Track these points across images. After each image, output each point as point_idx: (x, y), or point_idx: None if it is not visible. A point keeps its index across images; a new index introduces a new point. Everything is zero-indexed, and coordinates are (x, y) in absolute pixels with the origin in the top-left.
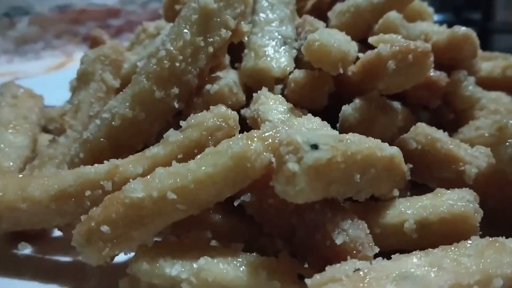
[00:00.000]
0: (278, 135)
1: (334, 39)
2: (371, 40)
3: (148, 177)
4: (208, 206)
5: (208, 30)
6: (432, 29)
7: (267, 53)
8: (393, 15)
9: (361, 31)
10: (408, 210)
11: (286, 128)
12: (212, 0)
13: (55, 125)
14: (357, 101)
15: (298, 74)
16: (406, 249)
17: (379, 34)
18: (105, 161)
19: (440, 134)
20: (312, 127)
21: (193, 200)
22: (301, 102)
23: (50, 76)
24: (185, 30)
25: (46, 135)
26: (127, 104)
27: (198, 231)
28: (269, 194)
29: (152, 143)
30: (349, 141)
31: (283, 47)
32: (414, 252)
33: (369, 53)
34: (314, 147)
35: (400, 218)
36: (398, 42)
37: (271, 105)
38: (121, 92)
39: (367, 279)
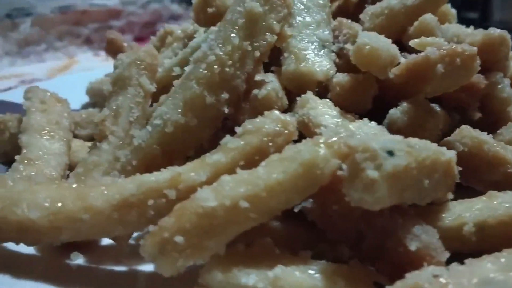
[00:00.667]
0: (344, 141)
1: (383, 43)
2: (412, 43)
3: (215, 185)
4: (276, 214)
5: (255, 35)
6: (462, 31)
7: (307, 57)
8: (429, 18)
9: (395, 33)
10: (466, 213)
11: (344, 133)
12: (257, 4)
13: (86, 131)
14: (404, 104)
15: (343, 77)
16: (462, 253)
17: (415, 37)
18: (162, 169)
19: (486, 137)
20: (370, 132)
21: (265, 208)
22: (345, 106)
23: (58, 79)
24: (233, 35)
25: (78, 140)
26: (179, 110)
27: (261, 238)
28: (333, 200)
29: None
30: (418, 146)
31: (322, 51)
32: (484, 257)
33: (414, 56)
34: (390, 153)
35: (458, 222)
36: (443, 45)
37: (322, 109)
38: (169, 98)
39: (450, 286)
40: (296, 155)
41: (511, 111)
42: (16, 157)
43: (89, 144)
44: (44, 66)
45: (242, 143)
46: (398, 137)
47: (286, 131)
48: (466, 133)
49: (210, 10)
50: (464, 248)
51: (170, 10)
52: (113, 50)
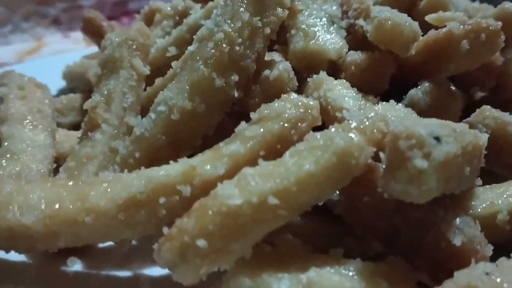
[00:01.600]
0: (379, 125)
1: (405, 18)
2: (429, 18)
3: (237, 179)
4: (306, 209)
5: (265, 9)
6: (471, 5)
7: (317, 34)
8: None
9: (404, 7)
10: (498, 200)
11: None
12: None
13: (68, 118)
14: (426, 84)
15: (358, 56)
16: (496, 243)
17: (427, 11)
18: (171, 162)
19: (509, 117)
20: (399, 114)
21: (295, 204)
22: (361, 86)
23: (29, 63)
24: (242, 9)
25: (62, 130)
26: (186, 95)
27: (282, 235)
28: (364, 192)
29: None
30: (459, 130)
31: (332, 27)
32: None
33: (435, 32)
34: (437, 139)
35: (491, 210)
36: (465, 20)
37: (340, 91)
38: (173, 82)
39: (505, 285)
40: (328, 143)
41: None
42: None
43: (74, 133)
44: (11, 49)
45: (261, 130)
46: (438, 121)
47: (310, 116)
48: (489, 113)
49: None
50: (497, 237)
51: None
52: (90, 30)
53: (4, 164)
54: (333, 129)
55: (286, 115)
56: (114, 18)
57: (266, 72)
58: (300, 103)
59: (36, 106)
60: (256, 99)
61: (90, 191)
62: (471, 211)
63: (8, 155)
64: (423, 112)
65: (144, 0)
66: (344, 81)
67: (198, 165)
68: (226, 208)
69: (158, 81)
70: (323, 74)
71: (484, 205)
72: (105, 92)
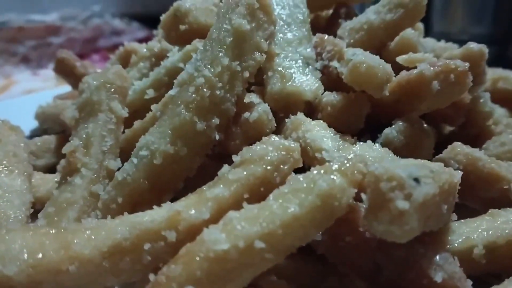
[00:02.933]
0: (359, 167)
1: (378, 61)
2: (400, 59)
3: (222, 223)
4: (291, 251)
5: (243, 54)
6: (438, 45)
7: (293, 76)
8: (410, 33)
9: (374, 48)
10: (473, 235)
11: (353, 158)
12: (245, 21)
13: (43, 161)
14: (400, 123)
15: (334, 97)
16: (472, 276)
17: (397, 52)
18: (155, 206)
19: (479, 153)
20: (377, 155)
21: (281, 247)
22: (337, 126)
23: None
24: (221, 54)
25: (37, 173)
26: (168, 139)
27: (266, 277)
28: (346, 231)
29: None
30: (436, 170)
31: (307, 69)
32: (506, 282)
33: (406, 73)
34: (416, 180)
35: (467, 244)
36: (434, 61)
37: (319, 132)
38: (155, 125)
39: None
40: (311, 186)
41: (491, 125)
42: None
43: (51, 176)
44: None
45: (245, 173)
46: (415, 161)
47: (291, 158)
48: (460, 150)
49: (182, 27)
50: (474, 271)
51: (111, 26)
52: (63, 70)
53: None
54: (315, 171)
55: (268, 158)
56: (84, 55)
57: (246, 114)
58: (281, 146)
59: (11, 150)
60: (237, 141)
61: (73, 239)
62: (448, 246)
63: None
64: (398, 150)
65: (114, 37)
66: (322, 121)
67: (183, 210)
68: (213, 253)
69: (137, 123)
70: (300, 115)
71: (460, 240)
72: (84, 136)
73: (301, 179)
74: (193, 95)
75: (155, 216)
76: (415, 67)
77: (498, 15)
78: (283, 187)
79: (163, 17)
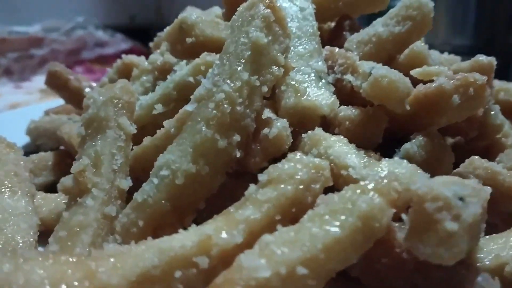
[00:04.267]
0: (395, 185)
1: (399, 75)
2: (415, 73)
3: (258, 248)
4: (331, 277)
5: (261, 68)
6: (444, 57)
7: (308, 90)
8: (420, 45)
9: (382, 61)
10: (502, 252)
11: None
12: (263, 34)
13: (40, 179)
14: (420, 138)
15: (352, 111)
16: None
17: (407, 65)
18: (181, 230)
19: (498, 167)
20: (406, 172)
21: (323, 272)
22: (355, 142)
23: None
24: (239, 68)
25: (39, 192)
26: (189, 157)
27: None
28: (381, 253)
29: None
30: (476, 188)
31: (320, 82)
32: None
33: (423, 86)
34: (461, 200)
35: (498, 262)
36: (451, 75)
37: (341, 148)
38: (174, 143)
39: None
40: (351, 207)
41: (501, 137)
42: None
43: (53, 196)
44: None
45: (275, 193)
46: (452, 178)
47: (322, 177)
48: (478, 164)
49: (189, 40)
50: None
51: (95, 37)
52: (56, 84)
53: None
54: (350, 191)
55: (299, 177)
56: (67, 67)
57: (265, 130)
58: (311, 164)
59: (12, 169)
60: (257, 158)
61: (97, 268)
62: (478, 264)
63: None
64: (419, 165)
65: (98, 49)
66: (342, 137)
67: (214, 234)
68: (255, 281)
69: (146, 140)
70: (319, 131)
71: (490, 257)
72: (93, 154)
73: (336, 199)
74: (214, 111)
75: (184, 241)
76: (429, 81)
77: (479, 27)
78: (318, 208)
79: (167, 30)
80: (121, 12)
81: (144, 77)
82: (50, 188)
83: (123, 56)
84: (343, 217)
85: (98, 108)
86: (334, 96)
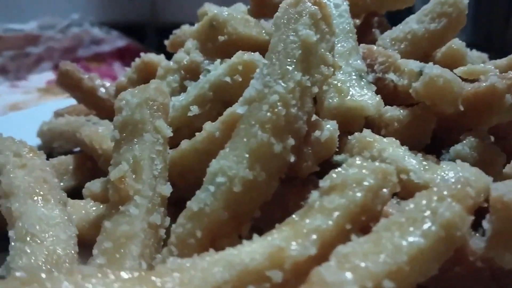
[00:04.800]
0: (468, 190)
1: (452, 74)
2: (459, 71)
3: (336, 260)
4: None
5: (311, 68)
6: (477, 55)
7: (351, 90)
8: (458, 43)
9: (418, 59)
10: None
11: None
12: (312, 32)
13: (64, 184)
14: (472, 139)
15: (400, 112)
16: None
17: (444, 63)
18: (245, 241)
19: None
20: (471, 175)
21: (408, 285)
22: (403, 144)
23: None
24: (291, 69)
25: (72, 201)
26: (245, 163)
27: None
28: (455, 261)
29: None
30: None
31: (362, 82)
32: None
33: (471, 86)
34: None
35: None
36: (501, 74)
37: (395, 151)
38: (227, 148)
39: None
40: (431, 215)
41: None
42: (10, 233)
43: (82, 203)
44: None
45: (343, 201)
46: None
47: (390, 183)
48: None
49: (221, 38)
50: None
51: (91, 34)
52: (68, 83)
53: (28, 251)
54: (424, 198)
55: (367, 183)
56: None
57: (317, 133)
58: (377, 169)
59: (41, 175)
60: (309, 162)
61: (163, 284)
62: None
63: (28, 239)
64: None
65: (94, 46)
66: (393, 139)
67: (286, 246)
68: None
69: (184, 144)
70: (368, 132)
71: None
72: (131, 159)
73: (413, 207)
74: (268, 114)
75: (253, 253)
76: (476, 80)
77: (476, 23)
78: (394, 216)
79: (196, 27)
80: (115, 8)
81: (171, 77)
82: (71, 193)
83: (142, 54)
84: (425, 226)
85: (133, 110)
86: (379, 96)
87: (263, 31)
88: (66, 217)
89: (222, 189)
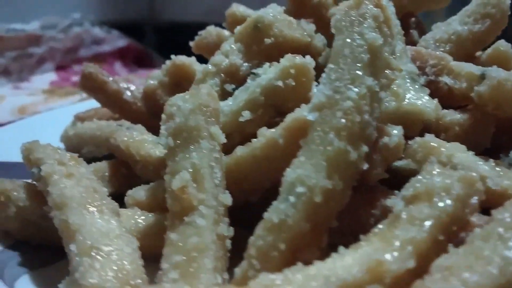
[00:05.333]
0: None
1: None
2: None
3: (440, 276)
4: None
5: (378, 72)
6: None
7: (406, 93)
8: (504, 44)
9: (462, 60)
10: None
11: None
12: (378, 36)
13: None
14: None
15: (460, 116)
16: None
17: (490, 64)
18: (334, 254)
19: None
20: None
21: None
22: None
23: (10, 127)
24: (361, 73)
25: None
26: (324, 172)
27: None
28: None
29: None
30: None
31: (415, 85)
32: None
33: None
34: None
35: None
36: None
37: (464, 156)
38: (301, 157)
39: None
40: None
41: None
42: (72, 247)
43: (129, 212)
44: None
45: (434, 210)
46: None
47: (477, 191)
48: None
49: (268, 41)
50: None
51: (91, 34)
52: (92, 87)
53: (98, 267)
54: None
55: (455, 192)
56: (65, 67)
57: (385, 139)
58: (464, 178)
59: (90, 185)
60: (378, 169)
61: None
62: None
63: (93, 253)
64: None
65: (95, 46)
66: (458, 144)
67: (384, 259)
68: None
69: (240, 150)
70: (431, 137)
71: None
72: (189, 168)
73: (508, 215)
74: (342, 120)
75: (350, 268)
76: None
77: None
78: (489, 227)
79: (239, 30)
80: (113, 7)
81: (211, 81)
82: None
83: (173, 57)
84: None
85: (186, 116)
86: (435, 99)
87: (305, 33)
88: (124, 229)
89: (303, 199)
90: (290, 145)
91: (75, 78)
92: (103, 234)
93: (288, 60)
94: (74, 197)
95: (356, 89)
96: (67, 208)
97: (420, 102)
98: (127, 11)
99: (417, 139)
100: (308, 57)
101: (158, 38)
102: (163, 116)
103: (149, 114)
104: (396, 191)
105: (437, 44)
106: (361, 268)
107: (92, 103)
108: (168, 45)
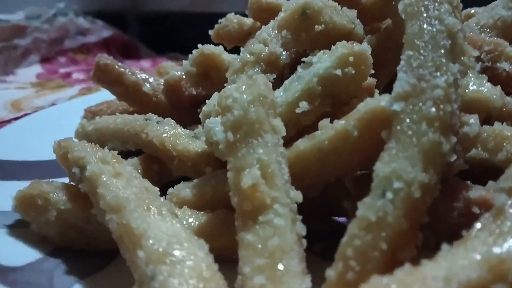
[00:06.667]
0: None
1: None
2: None
3: None
4: None
5: (456, 59)
6: None
7: (468, 80)
8: None
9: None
10: None
11: None
12: (457, 21)
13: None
14: None
15: None
16: None
17: None
18: (441, 254)
19: None
20: None
21: None
22: None
23: (15, 125)
24: (444, 60)
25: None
26: (420, 165)
27: None
28: None
29: None
30: None
31: (474, 72)
32: None
33: None
34: None
35: None
36: None
37: None
38: (392, 150)
39: None
40: None
41: None
42: (140, 253)
43: (186, 210)
44: None
45: None
46: None
47: None
48: None
49: (318, 28)
50: None
51: (76, 25)
52: (107, 79)
53: (179, 275)
54: None
55: None
56: (49, 59)
57: (466, 129)
58: None
59: (141, 184)
60: (461, 160)
61: None
62: None
63: (167, 260)
64: None
65: (80, 37)
66: None
67: (505, 257)
68: None
69: (303, 143)
70: (501, 126)
71: None
72: (256, 164)
73: None
74: (432, 109)
75: (469, 267)
76: None
77: None
78: None
79: (285, 16)
80: None
81: (250, 71)
82: None
83: (200, 46)
84: None
85: (245, 109)
86: (498, 86)
87: (349, 20)
88: (188, 232)
89: (401, 195)
90: (364, 137)
91: (63, 70)
92: (172, 237)
93: (346, 47)
94: (129, 198)
95: (443, 77)
96: (126, 211)
97: (484, 89)
98: (110, 0)
99: (486, 127)
100: (365, 43)
101: (142, 28)
102: (217, 109)
103: (171, 107)
104: (491, 182)
105: (483, 30)
106: (483, 266)
107: (92, 97)
108: (152, 35)
